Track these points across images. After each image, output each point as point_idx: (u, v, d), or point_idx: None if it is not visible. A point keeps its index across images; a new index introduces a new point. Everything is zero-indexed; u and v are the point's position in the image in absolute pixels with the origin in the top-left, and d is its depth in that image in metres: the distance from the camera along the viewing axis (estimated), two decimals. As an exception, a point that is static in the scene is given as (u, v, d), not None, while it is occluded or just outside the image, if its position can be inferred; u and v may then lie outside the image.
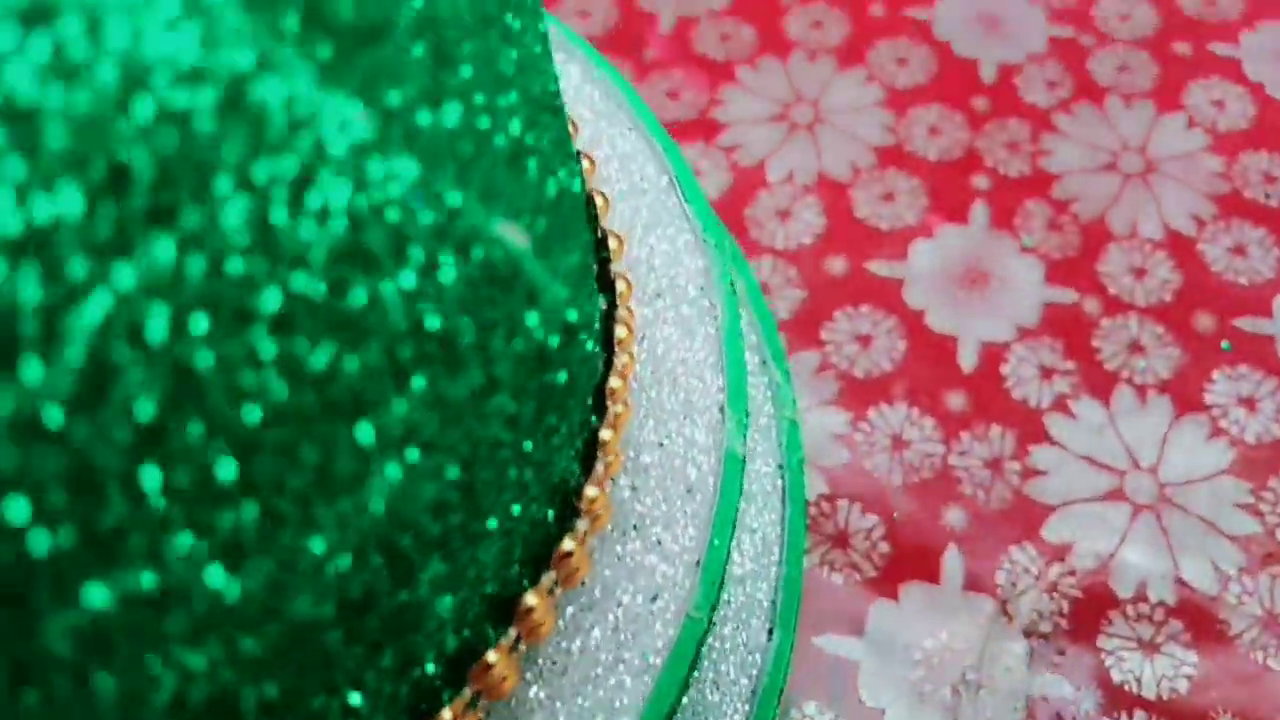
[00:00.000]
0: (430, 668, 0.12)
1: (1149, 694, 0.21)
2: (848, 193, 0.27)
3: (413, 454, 0.10)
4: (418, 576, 0.11)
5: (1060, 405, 0.24)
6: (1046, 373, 0.24)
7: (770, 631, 0.19)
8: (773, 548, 0.19)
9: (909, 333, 0.25)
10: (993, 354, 0.25)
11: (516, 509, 0.12)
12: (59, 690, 0.09)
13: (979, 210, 0.27)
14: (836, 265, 0.26)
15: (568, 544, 0.13)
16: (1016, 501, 0.23)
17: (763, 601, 0.19)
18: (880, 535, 0.23)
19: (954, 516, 0.23)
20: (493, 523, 0.12)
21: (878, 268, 0.26)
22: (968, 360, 0.25)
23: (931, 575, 0.22)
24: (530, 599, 0.13)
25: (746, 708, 0.17)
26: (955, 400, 0.24)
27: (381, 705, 0.12)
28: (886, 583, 0.22)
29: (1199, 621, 0.22)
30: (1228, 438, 0.23)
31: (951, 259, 0.26)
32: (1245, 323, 0.25)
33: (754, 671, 0.18)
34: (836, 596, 0.22)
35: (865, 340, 0.25)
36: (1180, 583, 0.22)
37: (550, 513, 0.13)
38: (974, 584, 0.22)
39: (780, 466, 0.21)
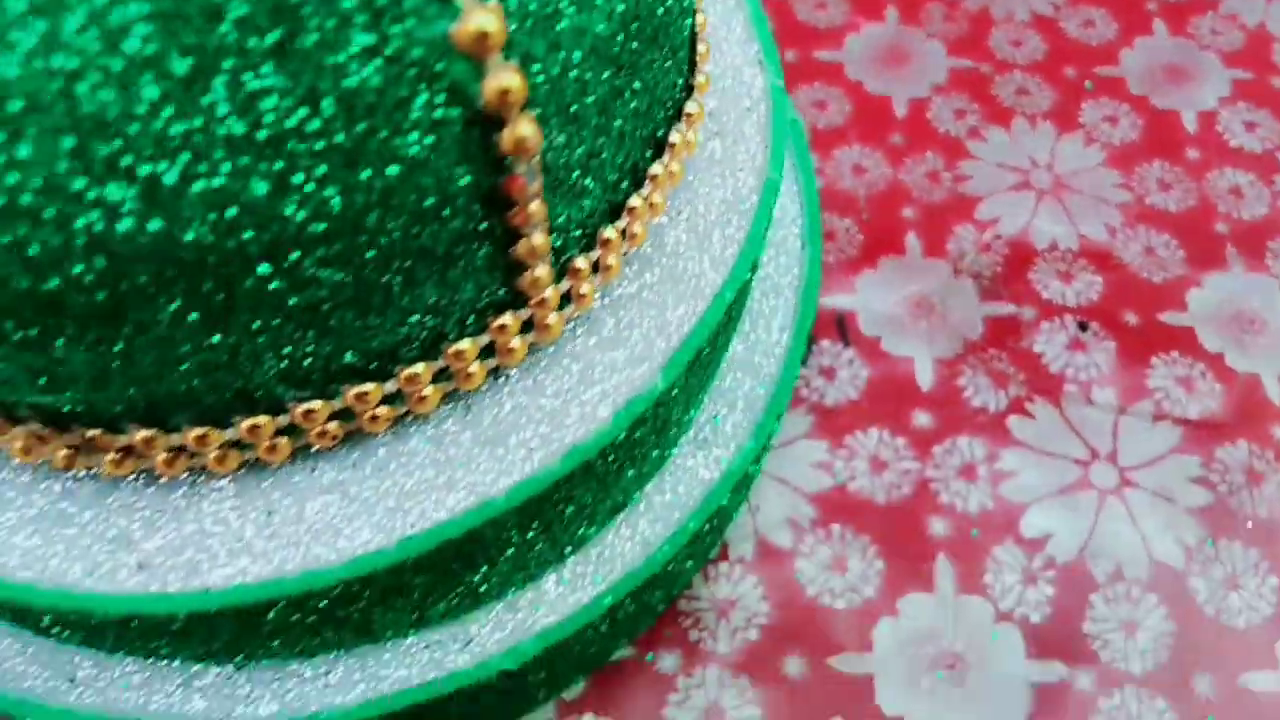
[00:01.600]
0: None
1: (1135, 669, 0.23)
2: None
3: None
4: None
5: (1016, 407, 0.26)
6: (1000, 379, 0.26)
7: (803, 245, 0.23)
8: (792, 182, 0.24)
9: (869, 359, 0.27)
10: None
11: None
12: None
13: (911, 240, 0.29)
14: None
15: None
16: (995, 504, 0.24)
17: (793, 221, 0.23)
18: (874, 554, 0.24)
19: (938, 526, 0.24)
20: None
21: (827, 301, 0.28)
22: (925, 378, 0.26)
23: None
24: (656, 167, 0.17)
25: (790, 307, 0.22)
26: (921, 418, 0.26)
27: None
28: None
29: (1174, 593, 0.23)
30: (1171, 419, 0.25)
31: (895, 291, 0.28)
32: (1169, 317, 0.27)
33: (793, 274, 0.23)
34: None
35: (829, 373, 0.26)
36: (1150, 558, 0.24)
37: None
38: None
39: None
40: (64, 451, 0.16)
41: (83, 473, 0.17)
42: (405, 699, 0.19)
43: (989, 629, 0.23)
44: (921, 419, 0.26)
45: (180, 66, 0.12)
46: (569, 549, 0.20)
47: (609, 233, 0.17)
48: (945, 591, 0.23)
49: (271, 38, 0.12)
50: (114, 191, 0.12)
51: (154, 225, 0.12)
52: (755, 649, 0.23)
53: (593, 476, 0.18)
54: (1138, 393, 0.26)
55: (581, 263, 0.17)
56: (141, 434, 0.16)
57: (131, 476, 0.17)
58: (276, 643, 0.19)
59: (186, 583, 0.17)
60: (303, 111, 0.12)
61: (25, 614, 0.18)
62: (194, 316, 0.14)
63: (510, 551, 0.19)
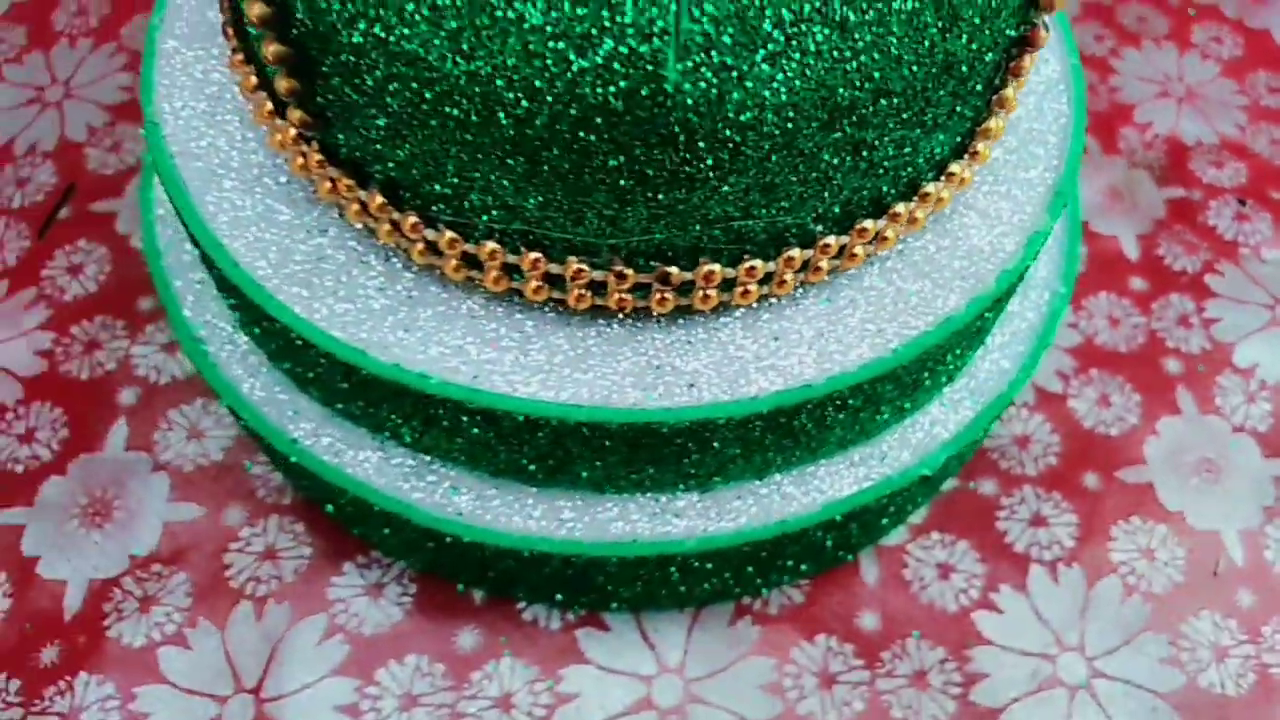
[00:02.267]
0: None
1: None
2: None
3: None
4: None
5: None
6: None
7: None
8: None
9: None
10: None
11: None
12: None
13: (1090, 142, 0.34)
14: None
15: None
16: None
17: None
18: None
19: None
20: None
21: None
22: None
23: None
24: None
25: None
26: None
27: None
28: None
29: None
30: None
31: (1088, 183, 0.33)
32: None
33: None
34: None
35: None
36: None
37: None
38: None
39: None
40: (618, 296, 0.20)
41: (616, 320, 0.21)
42: (842, 507, 0.23)
43: (1228, 439, 0.28)
44: (1136, 283, 0.31)
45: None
46: (954, 377, 0.24)
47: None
48: (1190, 413, 0.29)
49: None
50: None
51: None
52: (1055, 471, 0.28)
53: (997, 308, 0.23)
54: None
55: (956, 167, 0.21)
56: (632, 273, 0.20)
57: (657, 319, 0.21)
58: (739, 462, 0.23)
59: (734, 393, 0.20)
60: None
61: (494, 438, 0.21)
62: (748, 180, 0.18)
63: (925, 377, 0.23)
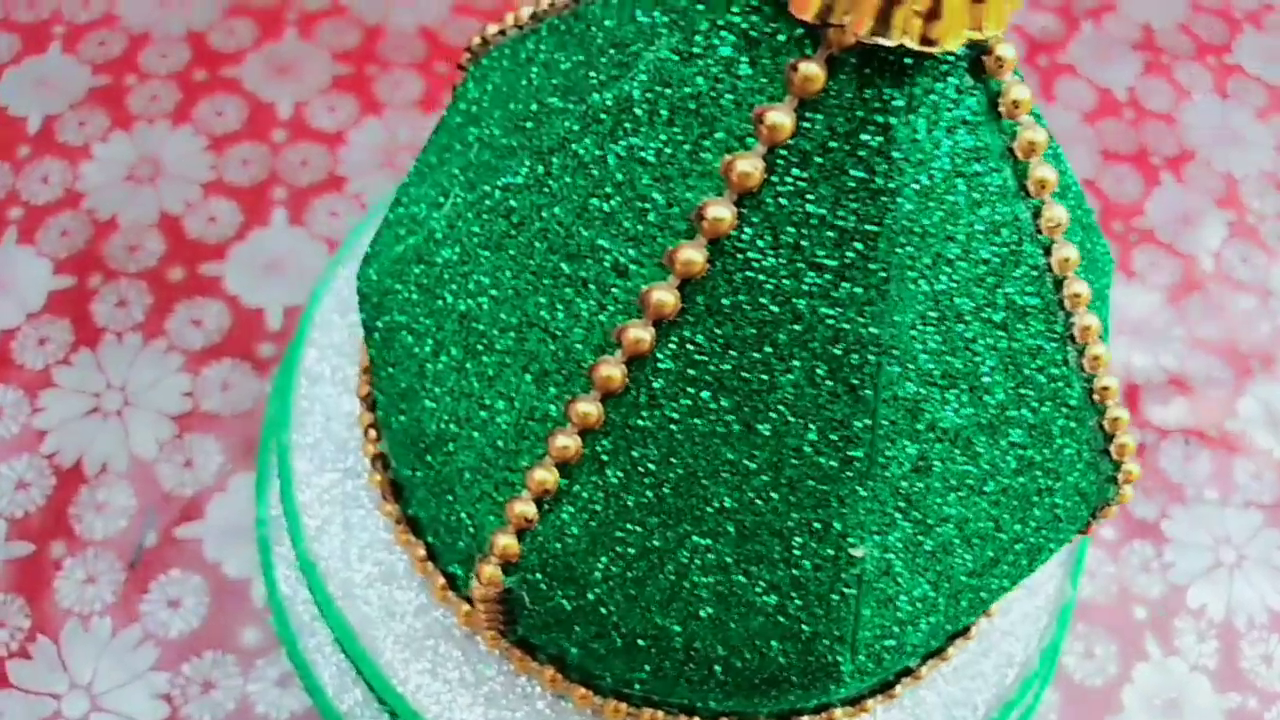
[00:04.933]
0: None
1: None
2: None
3: None
4: None
5: None
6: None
7: None
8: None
9: None
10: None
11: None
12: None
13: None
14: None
15: None
16: None
17: None
18: None
19: None
20: None
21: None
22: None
23: None
24: None
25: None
26: None
27: None
28: None
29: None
30: None
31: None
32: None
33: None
34: None
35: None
36: None
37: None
38: None
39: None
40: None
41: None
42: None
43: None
44: (1106, 533, 0.36)
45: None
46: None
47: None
48: (1155, 655, 0.35)
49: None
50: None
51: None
52: (1055, 725, 0.33)
53: None
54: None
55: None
56: None
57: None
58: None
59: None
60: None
61: None
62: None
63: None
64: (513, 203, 0.19)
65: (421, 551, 0.24)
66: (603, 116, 0.17)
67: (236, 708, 0.31)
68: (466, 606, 0.24)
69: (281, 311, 0.37)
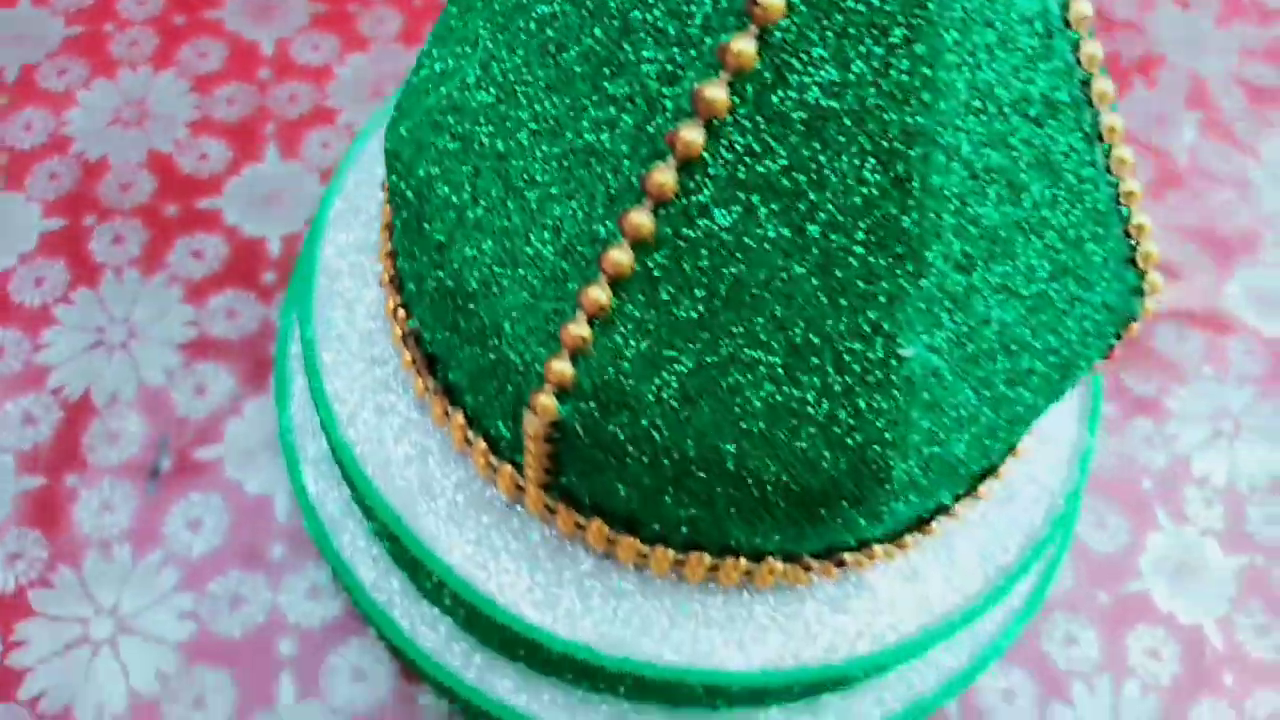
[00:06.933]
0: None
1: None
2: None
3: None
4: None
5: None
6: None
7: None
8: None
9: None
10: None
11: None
12: None
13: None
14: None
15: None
16: None
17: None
18: None
19: None
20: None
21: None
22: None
23: None
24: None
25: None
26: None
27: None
28: None
29: None
30: None
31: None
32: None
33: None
34: None
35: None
36: None
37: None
38: None
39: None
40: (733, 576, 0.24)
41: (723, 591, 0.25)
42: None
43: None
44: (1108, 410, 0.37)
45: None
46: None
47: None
48: (1165, 523, 0.36)
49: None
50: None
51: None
52: (1073, 594, 0.34)
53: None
54: None
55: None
56: (817, 562, 0.24)
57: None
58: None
59: (896, 635, 0.25)
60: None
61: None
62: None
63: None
64: (549, 32, 0.19)
65: (461, 419, 0.24)
66: (637, -74, 0.18)
67: (267, 620, 0.31)
68: (509, 468, 0.24)
69: (281, 240, 0.37)
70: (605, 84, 0.19)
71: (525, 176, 0.20)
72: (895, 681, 0.28)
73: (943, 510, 0.25)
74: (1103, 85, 0.19)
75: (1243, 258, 0.42)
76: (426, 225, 0.22)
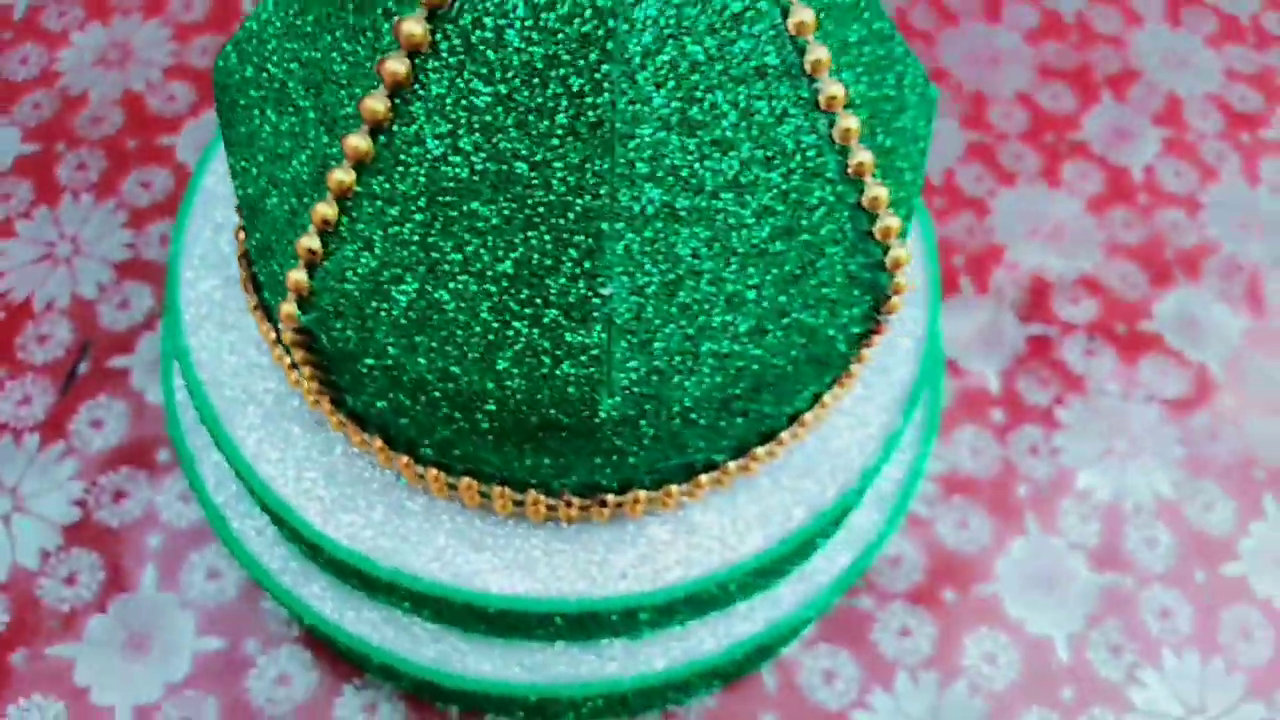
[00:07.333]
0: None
1: None
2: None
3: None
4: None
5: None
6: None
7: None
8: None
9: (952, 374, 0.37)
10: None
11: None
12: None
13: (964, 282, 0.40)
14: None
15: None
16: None
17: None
18: None
19: None
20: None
21: (914, 333, 0.38)
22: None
23: None
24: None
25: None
26: None
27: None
28: None
29: None
30: None
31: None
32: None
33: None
34: None
35: (926, 386, 0.37)
36: None
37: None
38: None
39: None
40: (568, 513, 0.26)
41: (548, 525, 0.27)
42: (746, 645, 0.30)
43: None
44: (996, 415, 0.37)
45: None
46: (831, 536, 0.31)
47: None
48: (1033, 531, 0.35)
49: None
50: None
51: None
52: (920, 587, 0.34)
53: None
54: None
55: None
56: (578, 500, 0.25)
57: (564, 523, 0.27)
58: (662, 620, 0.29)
59: (655, 583, 0.26)
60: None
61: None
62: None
63: (808, 550, 0.29)
64: (317, -29, 0.21)
65: (273, 335, 0.26)
66: None
67: (142, 514, 0.34)
68: (309, 381, 0.26)
69: (226, 179, 0.40)
70: (349, 18, 0.20)
71: (293, 105, 0.22)
72: (688, 635, 0.29)
73: (712, 466, 0.26)
74: (818, 54, 0.20)
75: (1181, 280, 0.41)
76: (235, 149, 0.24)
